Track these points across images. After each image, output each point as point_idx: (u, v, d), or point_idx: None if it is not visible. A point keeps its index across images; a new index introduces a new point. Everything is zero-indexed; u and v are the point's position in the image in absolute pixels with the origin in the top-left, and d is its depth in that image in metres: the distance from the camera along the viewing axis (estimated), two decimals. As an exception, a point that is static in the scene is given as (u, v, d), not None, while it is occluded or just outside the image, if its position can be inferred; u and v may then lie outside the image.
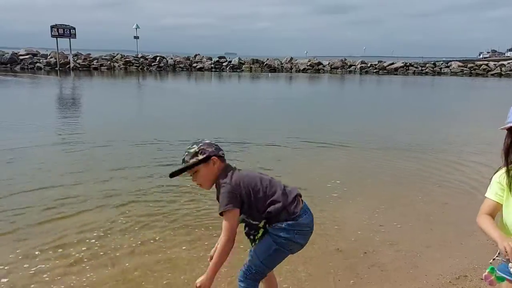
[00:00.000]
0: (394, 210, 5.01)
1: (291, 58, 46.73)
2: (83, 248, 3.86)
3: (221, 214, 2.25)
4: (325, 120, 12.87)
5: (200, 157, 2.27)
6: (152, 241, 4.07)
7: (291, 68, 44.43)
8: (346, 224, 4.60)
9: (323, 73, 42.91)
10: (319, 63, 45.68)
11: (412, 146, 8.67)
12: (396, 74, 43.10)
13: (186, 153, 2.31)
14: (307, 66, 44.37)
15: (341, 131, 10.33)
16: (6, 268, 3.50)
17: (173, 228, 4.39)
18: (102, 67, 37.72)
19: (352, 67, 45.79)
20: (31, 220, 4.50)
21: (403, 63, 46.83)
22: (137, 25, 43.12)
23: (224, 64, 43.01)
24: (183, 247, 3.96)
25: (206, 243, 3.98)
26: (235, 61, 43.95)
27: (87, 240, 4.03)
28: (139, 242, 4.02)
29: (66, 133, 9.47)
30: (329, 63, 45.88)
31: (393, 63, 46.64)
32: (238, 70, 41.86)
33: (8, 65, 34.94)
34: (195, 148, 2.29)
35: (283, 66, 44.87)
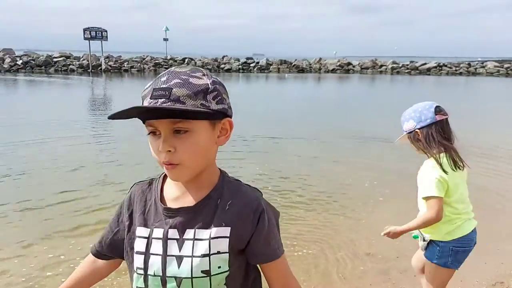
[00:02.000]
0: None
1: (320, 59, 46.29)
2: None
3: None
4: (362, 118, 12.58)
5: (214, 105, 1.07)
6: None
7: (319, 69, 44.01)
8: (379, 226, 4.36)
9: (353, 73, 42.31)
10: (349, 63, 45.04)
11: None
12: (429, 74, 42.01)
13: (179, 81, 1.03)
14: (336, 66, 43.83)
15: (379, 129, 10.03)
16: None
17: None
18: (133, 69, 38.39)
19: (383, 67, 44.90)
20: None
21: (436, 63, 45.58)
22: (166, 27, 43.70)
23: (251, 65, 43.02)
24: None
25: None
26: (262, 62, 43.90)
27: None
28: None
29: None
30: (359, 63, 45.18)
31: (425, 63, 45.47)
32: (265, 71, 41.78)
33: (43, 67, 36.02)
34: (204, 80, 1.06)
35: (311, 67, 44.50)
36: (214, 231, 1.10)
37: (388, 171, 6.53)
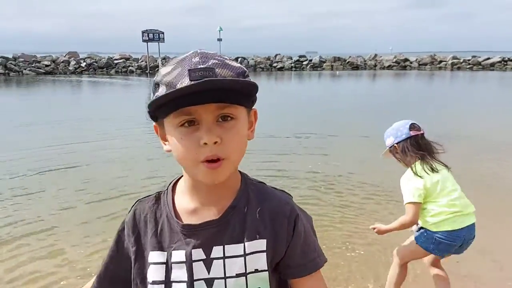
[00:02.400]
0: (490, 217, 4.47)
1: (375, 55, 45.03)
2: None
3: None
4: (424, 116, 12.11)
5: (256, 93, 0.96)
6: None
7: (375, 66, 42.83)
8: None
9: (410, 69, 40.80)
10: (406, 60, 43.45)
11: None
12: (493, 70, 39.58)
13: (216, 61, 0.89)
14: (392, 62, 42.44)
15: (441, 127, 9.62)
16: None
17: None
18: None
19: (443, 63, 42.90)
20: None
21: (500, 57, 42.84)
22: (220, 27, 44.35)
23: (304, 63, 42.67)
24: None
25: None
26: (315, 59, 43.41)
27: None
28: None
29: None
30: (416, 59, 43.47)
31: (488, 58, 42.88)
32: (318, 69, 41.30)
33: (105, 69, 37.81)
34: (237, 63, 0.93)
35: (366, 64, 43.40)
36: (248, 245, 0.94)
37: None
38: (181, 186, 1.03)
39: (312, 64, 42.34)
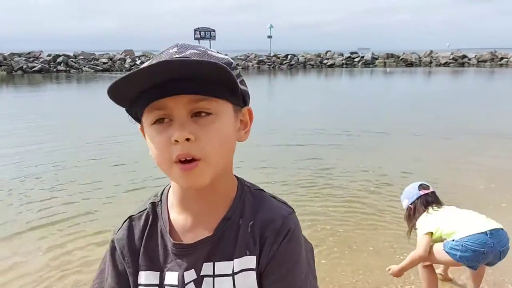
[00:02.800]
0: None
1: (431, 52, 43.26)
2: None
3: None
4: (483, 114, 11.54)
5: (243, 87, 0.88)
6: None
7: (430, 62, 41.15)
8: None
9: (468, 66, 38.83)
10: (464, 56, 41.40)
11: None
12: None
13: (196, 51, 0.82)
14: (449, 59, 40.58)
15: (502, 125, 9.12)
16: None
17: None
18: (238, 67, 39.61)
19: (504, 60, 40.47)
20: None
21: None
22: (271, 25, 44.45)
23: (356, 59, 41.79)
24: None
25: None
26: (367, 56, 42.37)
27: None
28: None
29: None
30: (475, 55, 41.30)
31: (557, 53, 39.95)
32: (370, 66, 40.28)
33: (158, 66, 38.98)
34: (223, 55, 0.87)
35: (421, 60, 41.79)
36: (237, 263, 0.83)
37: (505, 172, 5.92)
38: (171, 195, 0.92)
39: (364, 61, 41.38)
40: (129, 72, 0.71)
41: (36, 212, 4.71)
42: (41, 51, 35.96)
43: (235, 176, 0.92)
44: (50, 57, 34.38)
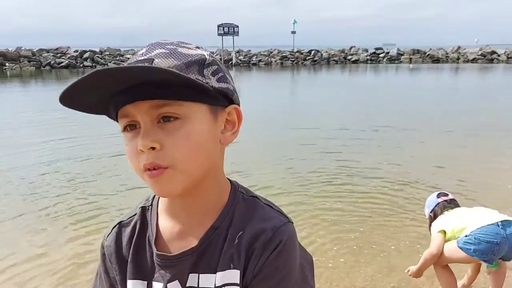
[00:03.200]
0: None
1: (458, 47, 42.22)
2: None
3: None
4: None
5: (215, 82, 0.78)
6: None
7: (457, 59, 40.15)
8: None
9: (497, 63, 37.72)
10: (493, 52, 40.20)
11: None
12: None
13: (163, 51, 0.75)
14: (478, 55, 39.49)
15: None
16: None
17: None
18: (260, 63, 39.65)
19: (536, 55, 39.14)
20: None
21: None
22: (294, 20, 44.13)
23: (380, 55, 41.14)
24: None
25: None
26: (393, 52, 41.64)
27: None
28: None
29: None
30: (505, 51, 40.05)
31: None
32: (396, 62, 39.59)
33: (182, 62, 39.29)
34: (198, 51, 0.78)
35: (448, 56, 40.82)
36: (220, 276, 0.78)
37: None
38: (161, 199, 0.88)
39: (389, 56, 40.71)
40: (73, 81, 0.66)
41: (55, 204, 4.80)
42: (68, 47, 36.75)
43: (230, 180, 0.87)
44: (77, 53, 35.09)
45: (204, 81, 0.74)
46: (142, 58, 0.73)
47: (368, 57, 40.81)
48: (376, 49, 42.94)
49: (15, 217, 4.43)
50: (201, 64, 0.75)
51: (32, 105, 13.93)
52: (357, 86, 20.40)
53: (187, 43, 0.79)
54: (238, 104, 0.82)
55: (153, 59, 0.72)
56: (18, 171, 5.98)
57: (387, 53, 41.56)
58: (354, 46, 44.06)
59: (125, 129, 0.75)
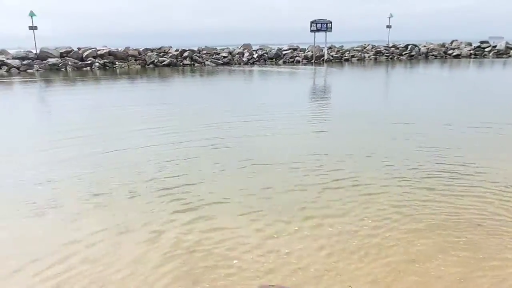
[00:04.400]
0: None
1: None
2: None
3: None
4: None
5: None
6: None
7: None
8: None
9: None
10: None
11: None
12: None
13: None
14: None
15: None
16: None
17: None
18: (353, 58, 38.90)
19: None
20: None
21: None
22: (391, 14, 42.54)
23: (486, 49, 38.01)
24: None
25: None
26: (500, 45, 38.22)
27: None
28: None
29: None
30: None
31: None
32: (504, 56, 36.30)
33: (274, 59, 39.98)
34: None
35: None
36: None
37: None
38: None
39: (496, 50, 37.46)
40: None
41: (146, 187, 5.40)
42: (170, 47, 39.33)
43: None
44: (177, 52, 37.46)
45: None
46: None
47: (471, 51, 37.95)
48: (481, 42, 39.75)
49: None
50: None
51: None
52: (469, 82, 19.21)
53: None
54: None
55: None
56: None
57: (494, 46, 38.27)
58: (456, 40, 41.21)
59: None
